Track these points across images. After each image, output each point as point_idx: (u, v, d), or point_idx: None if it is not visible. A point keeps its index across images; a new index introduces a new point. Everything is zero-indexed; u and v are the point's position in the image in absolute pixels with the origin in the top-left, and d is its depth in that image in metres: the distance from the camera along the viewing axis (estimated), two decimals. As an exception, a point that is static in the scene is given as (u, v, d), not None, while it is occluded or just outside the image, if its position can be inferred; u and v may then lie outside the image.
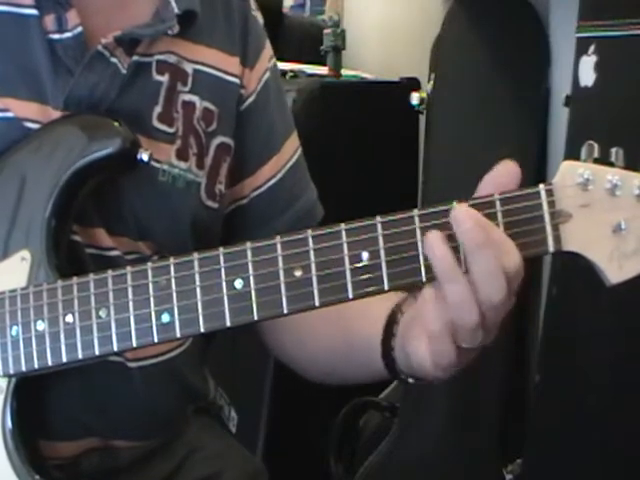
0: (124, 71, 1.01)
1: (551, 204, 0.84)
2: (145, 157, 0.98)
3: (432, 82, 2.24)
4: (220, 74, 1.11)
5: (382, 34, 2.95)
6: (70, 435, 1.03)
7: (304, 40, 2.89)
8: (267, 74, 1.16)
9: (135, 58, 1.02)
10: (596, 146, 0.85)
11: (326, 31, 2.56)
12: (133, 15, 1.05)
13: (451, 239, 0.83)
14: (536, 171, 1.96)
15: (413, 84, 2.42)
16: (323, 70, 2.55)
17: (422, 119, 2.36)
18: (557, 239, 0.84)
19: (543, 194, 0.84)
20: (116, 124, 0.98)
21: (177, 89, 1.06)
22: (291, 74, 2.41)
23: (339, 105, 2.36)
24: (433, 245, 0.83)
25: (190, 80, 1.08)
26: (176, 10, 1.04)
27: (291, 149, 1.18)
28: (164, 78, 1.05)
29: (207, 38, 1.10)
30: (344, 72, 2.56)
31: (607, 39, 1.55)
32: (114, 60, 1.01)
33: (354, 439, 2.14)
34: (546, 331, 1.73)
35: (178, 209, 1.06)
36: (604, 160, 0.85)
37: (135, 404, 1.05)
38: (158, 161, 1.04)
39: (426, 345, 0.85)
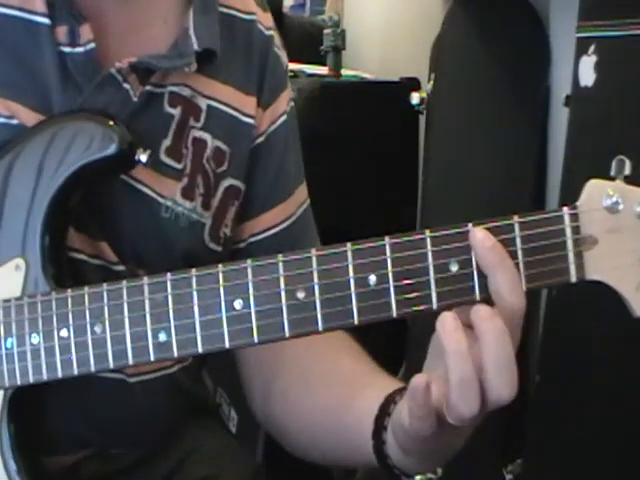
0: (135, 99, 0.98)
1: (575, 230, 0.78)
2: (143, 158, 0.94)
3: (432, 82, 2.24)
4: (235, 113, 1.07)
5: (382, 34, 2.95)
6: (68, 449, 1.02)
7: (304, 40, 2.89)
8: (283, 117, 1.12)
9: (148, 88, 0.99)
10: (628, 162, 0.80)
11: (326, 31, 2.57)
12: (150, 40, 1.02)
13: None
14: (536, 171, 1.96)
15: (413, 84, 2.43)
16: (323, 70, 2.55)
17: (422, 119, 2.36)
18: (580, 268, 0.78)
19: (567, 219, 0.78)
20: (112, 123, 0.94)
21: (189, 124, 1.03)
22: (291, 74, 2.40)
23: (339, 105, 2.36)
24: (445, 321, 0.77)
25: (203, 116, 1.04)
26: (196, 47, 1.00)
27: (300, 199, 1.14)
28: (176, 111, 1.02)
29: (224, 75, 1.06)
30: (344, 72, 2.57)
31: (607, 39, 1.55)
32: (126, 86, 0.98)
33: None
34: (546, 331, 1.73)
35: (177, 248, 1.02)
36: (636, 179, 0.78)
37: (135, 417, 1.04)
38: (162, 196, 1.01)
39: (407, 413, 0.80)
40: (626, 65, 1.54)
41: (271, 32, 1.13)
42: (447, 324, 0.77)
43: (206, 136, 1.04)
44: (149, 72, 0.99)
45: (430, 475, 0.90)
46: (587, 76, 1.59)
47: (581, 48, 1.60)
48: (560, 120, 1.82)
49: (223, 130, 1.05)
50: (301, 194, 1.15)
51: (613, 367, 1.56)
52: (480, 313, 0.77)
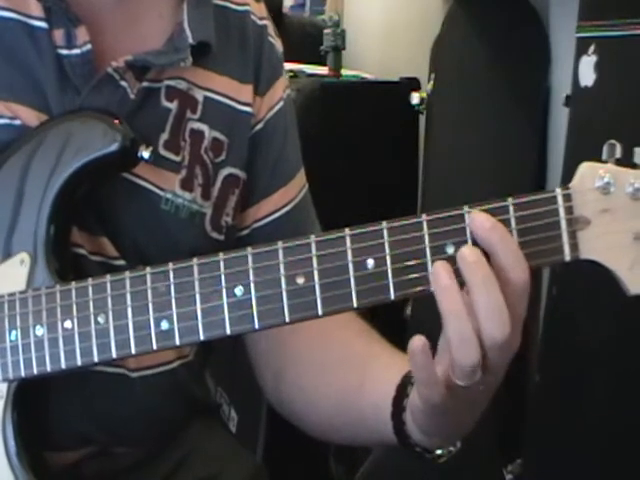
0: (132, 96, 0.99)
1: (568, 210, 0.80)
2: (146, 155, 0.95)
3: (432, 82, 2.25)
4: (232, 103, 1.08)
5: (382, 34, 2.95)
6: (70, 446, 1.02)
7: (304, 40, 2.89)
8: (280, 104, 1.13)
9: (145, 84, 1.00)
10: (618, 146, 0.82)
11: (326, 31, 2.57)
12: (145, 36, 1.03)
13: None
14: (536, 171, 1.96)
15: (413, 84, 2.43)
16: (323, 70, 2.55)
17: (422, 119, 2.36)
18: (574, 247, 0.80)
19: (560, 199, 0.80)
20: (116, 122, 0.95)
21: (186, 117, 1.04)
22: (291, 74, 2.41)
23: (339, 105, 2.36)
24: (438, 276, 0.79)
25: (200, 108, 1.05)
26: (190, 40, 1.01)
27: (299, 185, 1.15)
28: (173, 105, 1.03)
29: (220, 66, 1.07)
30: (344, 72, 2.56)
31: (607, 39, 1.55)
32: (123, 84, 0.99)
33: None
34: (546, 331, 1.73)
35: (179, 240, 1.03)
36: (626, 161, 0.81)
37: (136, 413, 1.04)
38: (162, 189, 1.01)
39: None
40: (626, 65, 1.54)
41: (264, 22, 1.14)
42: (441, 280, 0.78)
43: (203, 127, 1.05)
44: (146, 68, 1.00)
45: (450, 448, 0.92)
46: (587, 76, 1.59)
47: (581, 48, 1.60)
48: (560, 120, 1.82)
49: (220, 120, 1.07)
50: (301, 178, 1.16)
51: (613, 367, 1.56)
52: (467, 259, 0.78)
